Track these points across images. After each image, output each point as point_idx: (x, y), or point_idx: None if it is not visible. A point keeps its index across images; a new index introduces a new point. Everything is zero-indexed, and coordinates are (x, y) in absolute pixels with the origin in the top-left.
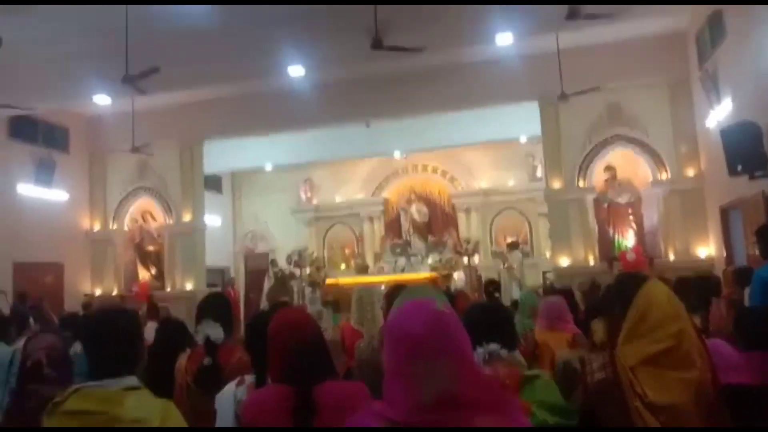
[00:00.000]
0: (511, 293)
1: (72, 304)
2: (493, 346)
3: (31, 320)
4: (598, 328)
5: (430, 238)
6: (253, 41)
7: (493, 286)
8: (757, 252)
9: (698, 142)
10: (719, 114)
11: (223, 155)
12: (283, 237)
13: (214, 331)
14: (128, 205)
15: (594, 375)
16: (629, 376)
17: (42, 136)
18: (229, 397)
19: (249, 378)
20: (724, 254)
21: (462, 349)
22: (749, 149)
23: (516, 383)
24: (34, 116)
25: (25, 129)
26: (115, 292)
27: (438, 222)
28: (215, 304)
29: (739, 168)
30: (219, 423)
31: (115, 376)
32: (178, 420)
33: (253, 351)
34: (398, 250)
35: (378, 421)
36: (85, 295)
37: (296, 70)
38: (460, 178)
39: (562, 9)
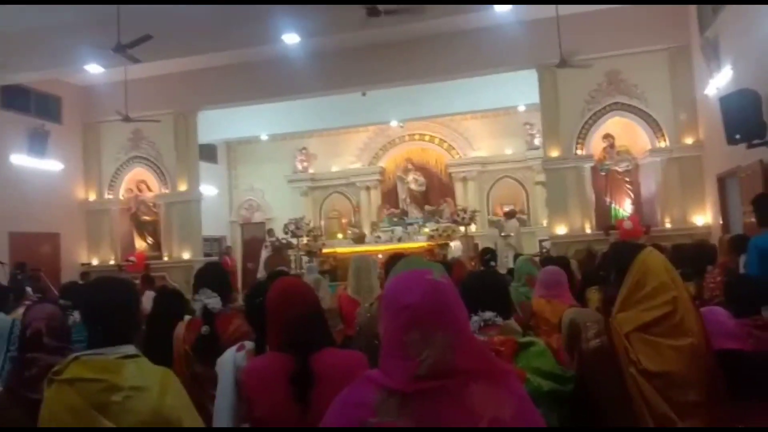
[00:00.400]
0: (508, 262)
1: (69, 274)
2: (488, 314)
3: (29, 289)
4: (594, 296)
5: (427, 207)
6: (247, 8)
7: (489, 254)
8: (753, 220)
9: (697, 110)
10: (719, 82)
11: (217, 125)
12: (280, 207)
13: (212, 300)
14: (123, 175)
15: (589, 342)
16: (624, 343)
17: (34, 106)
18: (229, 362)
19: (249, 344)
20: (721, 222)
21: (458, 318)
22: (748, 117)
23: (511, 351)
24: (27, 86)
25: (18, 99)
26: (112, 262)
27: (435, 191)
28: (212, 274)
29: (738, 136)
30: (219, 387)
31: (114, 345)
32: (177, 388)
33: (253, 319)
34: (395, 220)
35: (375, 388)
36: (82, 264)
37: (291, 38)
38: (457, 146)
39: None
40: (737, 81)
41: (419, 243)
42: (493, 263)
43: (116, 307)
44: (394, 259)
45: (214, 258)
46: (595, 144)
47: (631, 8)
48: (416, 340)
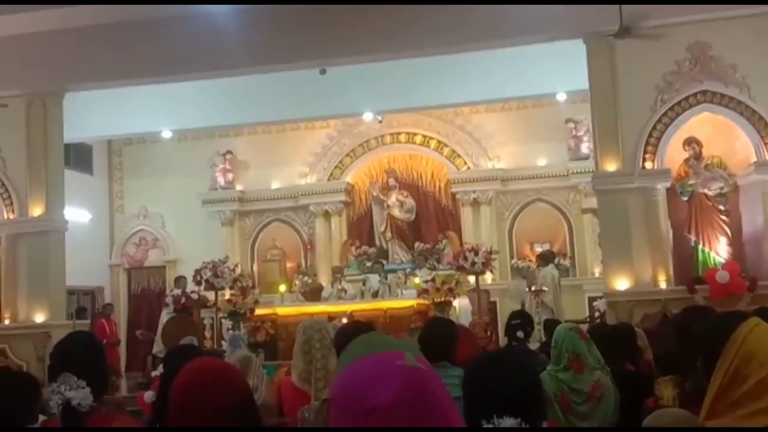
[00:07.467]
0: (540, 332)
1: None
2: (508, 422)
3: None
4: (667, 391)
5: (419, 245)
6: None
7: (519, 321)
8: None
9: None
10: None
11: (95, 115)
12: (189, 242)
13: (78, 392)
14: None
15: None
16: None
17: None
18: None
19: None
20: None
21: (451, 422)
22: None
23: None
24: None
25: None
26: None
27: (430, 221)
28: (79, 350)
29: None
30: None
31: None
32: None
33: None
34: (369, 264)
35: None
36: None
37: None
38: (465, 154)
39: None
40: None
41: (405, 301)
42: (520, 334)
43: None
44: (348, 332)
45: (84, 324)
46: (673, 153)
47: None
48: None
